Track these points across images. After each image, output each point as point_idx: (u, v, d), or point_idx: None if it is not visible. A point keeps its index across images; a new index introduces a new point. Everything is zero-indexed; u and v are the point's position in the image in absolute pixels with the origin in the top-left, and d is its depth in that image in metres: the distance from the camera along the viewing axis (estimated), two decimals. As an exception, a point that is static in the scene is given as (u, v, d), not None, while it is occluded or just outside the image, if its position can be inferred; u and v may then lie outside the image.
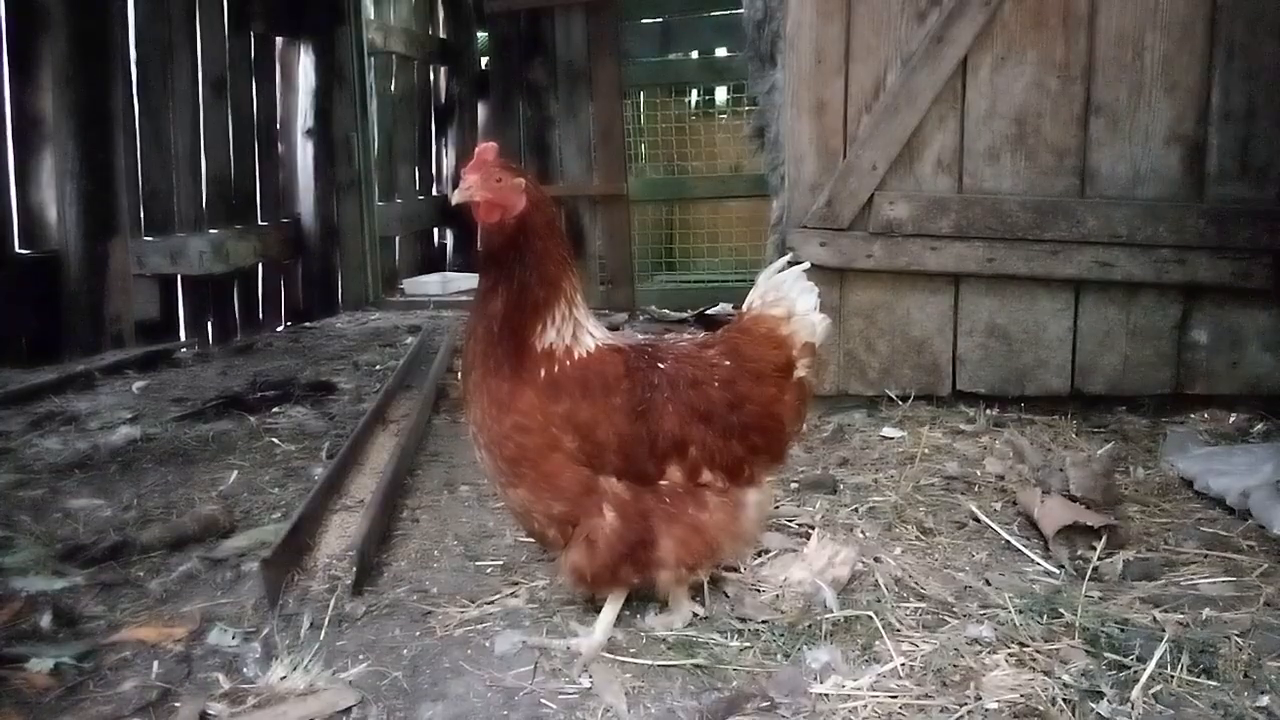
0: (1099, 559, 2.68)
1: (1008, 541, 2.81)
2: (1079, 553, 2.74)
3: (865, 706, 1.96)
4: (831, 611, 2.30)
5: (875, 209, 4.04)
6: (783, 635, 2.23)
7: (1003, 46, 3.96)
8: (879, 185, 4.03)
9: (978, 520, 2.95)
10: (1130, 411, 4.06)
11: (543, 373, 2.14)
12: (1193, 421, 4.03)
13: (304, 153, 7.73)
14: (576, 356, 2.17)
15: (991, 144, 4.02)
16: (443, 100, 9.89)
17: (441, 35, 9.75)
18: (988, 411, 4.06)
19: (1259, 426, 3.93)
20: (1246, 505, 2.95)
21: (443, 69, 9.82)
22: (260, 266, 7.41)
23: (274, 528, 3.06)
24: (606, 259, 7.63)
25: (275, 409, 4.55)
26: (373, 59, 8.27)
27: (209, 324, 6.90)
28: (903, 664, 2.09)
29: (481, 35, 9.99)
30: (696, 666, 2.12)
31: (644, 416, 2.14)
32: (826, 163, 4.10)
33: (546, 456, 2.12)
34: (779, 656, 2.17)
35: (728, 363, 2.26)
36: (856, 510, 3.01)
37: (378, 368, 5.49)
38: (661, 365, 2.22)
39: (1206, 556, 2.72)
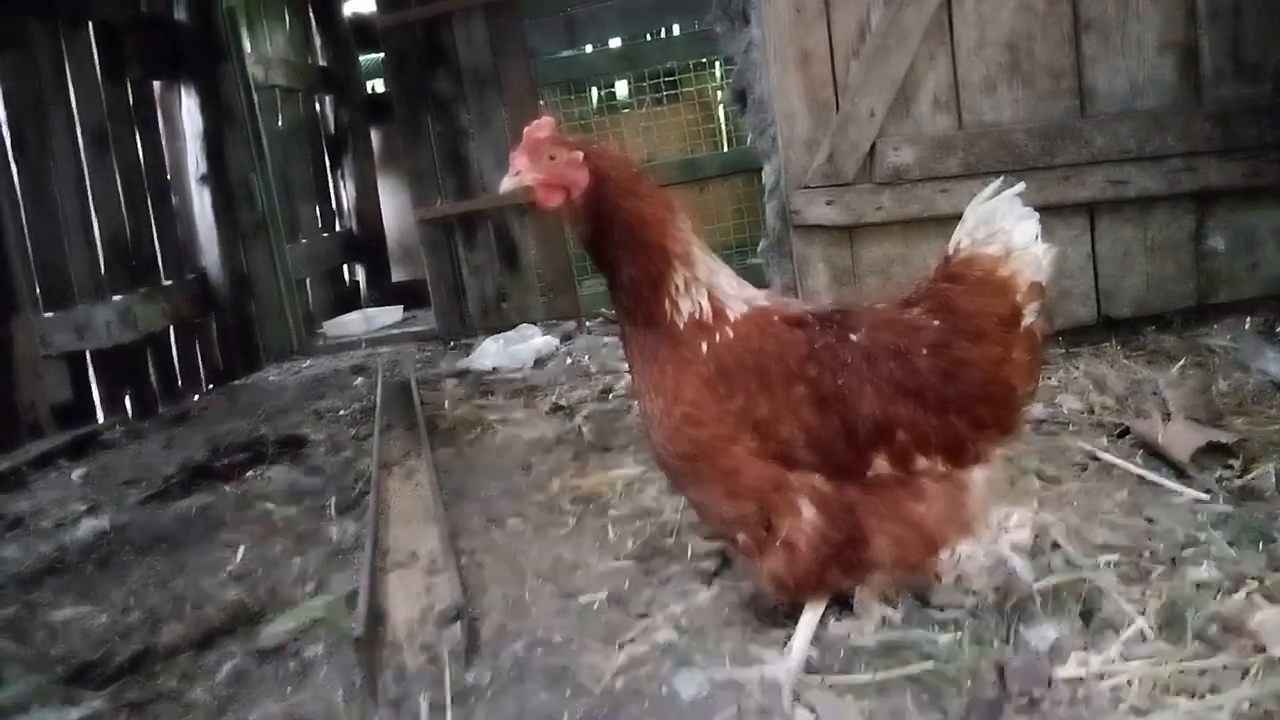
0: (1244, 477, 2.49)
1: (1140, 477, 2.59)
2: (1218, 474, 2.55)
3: (1135, 682, 1.70)
4: (1032, 582, 2.03)
5: (879, 157, 3.81)
6: (992, 618, 1.95)
7: (983, -29, 3.78)
8: (879, 132, 3.81)
9: (1096, 459, 2.72)
10: (1160, 330, 3.93)
11: (705, 347, 1.83)
12: (1217, 331, 3.92)
13: (201, 201, 7.11)
14: (735, 320, 1.86)
15: (986, 74, 3.84)
16: (333, 131, 9.35)
17: (322, 63, 9.20)
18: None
19: (1282, 326, 3.84)
20: (1359, 398, 2.82)
21: (328, 98, 9.28)
22: (172, 329, 6.79)
23: (321, 602, 2.63)
24: (544, 268, 7.24)
25: (250, 472, 4.05)
26: (257, 94, 7.70)
27: (126, 398, 6.26)
28: (1148, 625, 1.83)
29: (364, 59, 9.50)
30: (922, 672, 1.82)
31: (837, 404, 1.80)
32: (820, 116, 3.85)
33: (725, 451, 1.80)
34: (995, 643, 1.88)
35: (937, 322, 1.90)
36: (969, 470, 2.75)
37: (342, 413, 5.01)
38: (854, 337, 1.87)
39: (1348, 455, 2.56)
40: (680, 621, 2.16)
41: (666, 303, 1.87)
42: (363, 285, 9.54)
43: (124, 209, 6.41)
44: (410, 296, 8.73)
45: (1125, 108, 3.83)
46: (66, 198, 5.87)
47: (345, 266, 9.42)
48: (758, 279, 4.53)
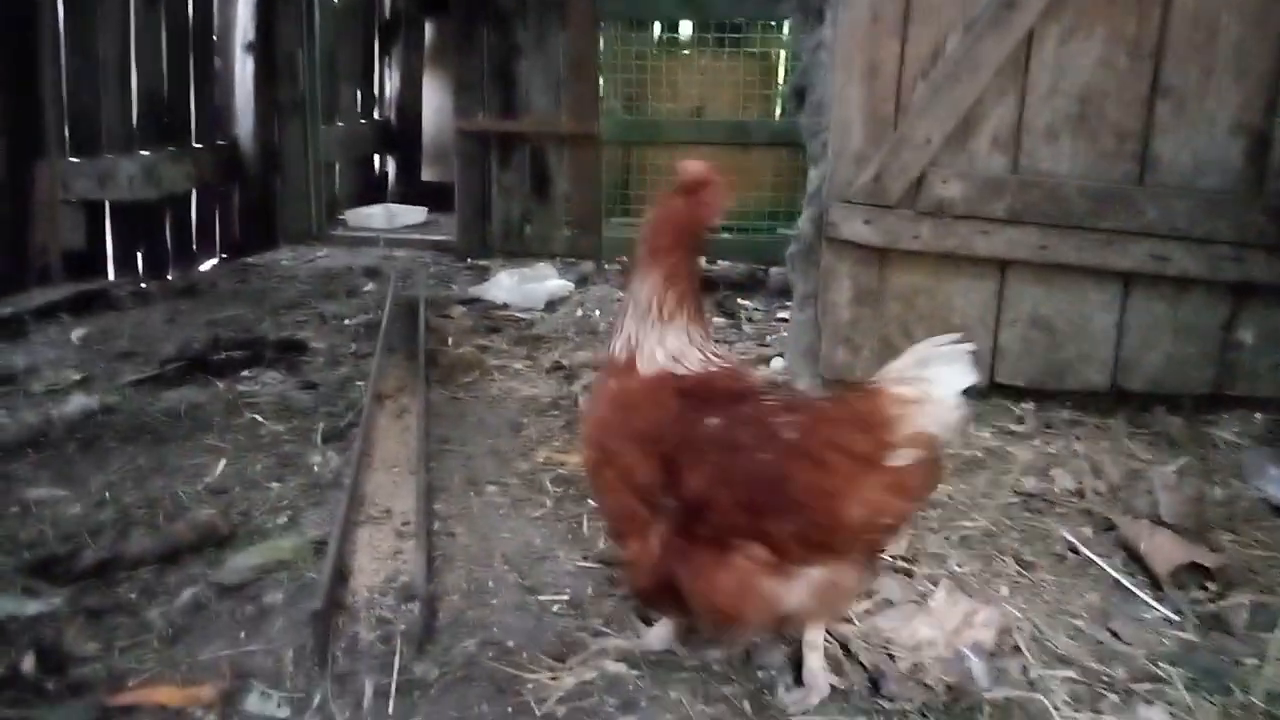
0: (1217, 602, 2.49)
1: (1116, 580, 2.59)
2: (1192, 594, 2.55)
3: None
4: (985, 687, 2.04)
5: (926, 186, 3.74)
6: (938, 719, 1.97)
7: (1073, 17, 3.65)
8: (932, 161, 3.73)
9: (1076, 552, 2.73)
10: (1170, 411, 3.89)
11: (614, 384, 2.13)
12: (1226, 421, 3.89)
13: (243, 69, 7.01)
14: (639, 371, 2.09)
15: (1052, 122, 3.74)
16: (387, 17, 9.15)
17: (388, -57, 8.98)
18: (1023, 405, 3.85)
19: (1292, 430, 3.81)
20: (1350, 540, 2.80)
21: (388, -19, 9.07)
22: (194, 193, 6.74)
23: (290, 544, 2.65)
24: (573, 202, 7.17)
25: (245, 373, 4.07)
26: (318, -33, 7.52)
27: (138, 255, 6.24)
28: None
29: (431, -53, 9.24)
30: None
31: (671, 467, 1.97)
32: (875, 132, 3.76)
33: (600, 473, 2.12)
34: (934, 744, 1.91)
35: (793, 435, 1.90)
36: (947, 539, 2.76)
37: (347, 322, 5.00)
38: (713, 420, 1.98)
39: (1328, 600, 2.56)
40: (633, 653, 2.17)
41: (615, 331, 2.20)
42: (391, 178, 9.44)
43: (165, 66, 6.33)
44: (436, 199, 8.62)
45: (1185, 183, 3.73)
46: (109, 47, 5.79)
47: (376, 157, 9.32)
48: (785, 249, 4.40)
